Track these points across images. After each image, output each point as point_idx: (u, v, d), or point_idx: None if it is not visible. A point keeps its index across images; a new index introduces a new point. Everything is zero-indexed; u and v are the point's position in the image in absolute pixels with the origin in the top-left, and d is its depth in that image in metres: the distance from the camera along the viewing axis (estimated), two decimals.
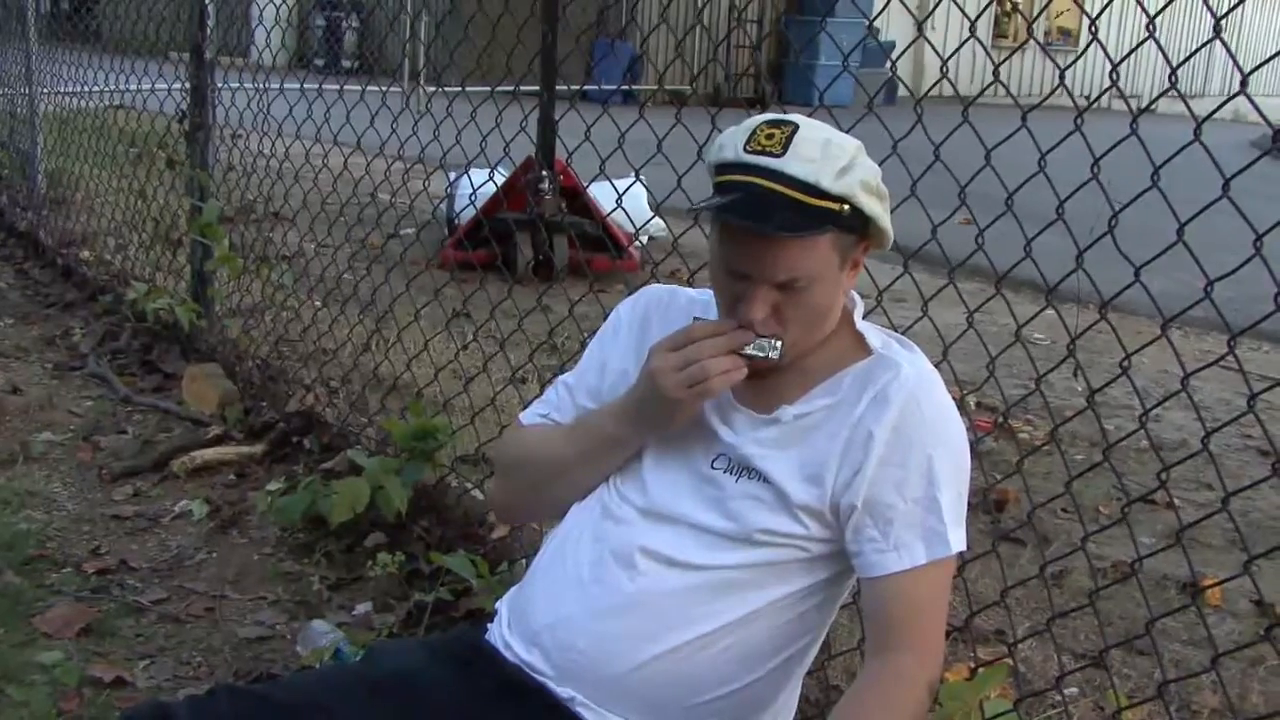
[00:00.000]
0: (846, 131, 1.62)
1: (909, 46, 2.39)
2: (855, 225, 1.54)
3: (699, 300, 1.78)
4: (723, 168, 1.55)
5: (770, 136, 1.52)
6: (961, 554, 1.57)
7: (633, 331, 1.80)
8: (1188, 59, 1.77)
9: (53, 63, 7.35)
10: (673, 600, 1.60)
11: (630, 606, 1.60)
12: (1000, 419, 3.87)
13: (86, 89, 6.93)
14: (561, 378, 1.90)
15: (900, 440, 1.55)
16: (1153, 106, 1.85)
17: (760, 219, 1.48)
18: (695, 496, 1.64)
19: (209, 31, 4.44)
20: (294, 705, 1.64)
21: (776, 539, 1.60)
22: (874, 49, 12.57)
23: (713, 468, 1.64)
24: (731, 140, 1.55)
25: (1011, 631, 2.50)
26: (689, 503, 1.64)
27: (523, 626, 1.70)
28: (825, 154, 1.50)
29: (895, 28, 16.38)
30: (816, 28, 15.68)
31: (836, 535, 1.60)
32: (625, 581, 1.62)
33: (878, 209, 1.56)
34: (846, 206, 1.51)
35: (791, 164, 1.49)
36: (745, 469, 1.62)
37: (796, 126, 1.53)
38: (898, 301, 2.50)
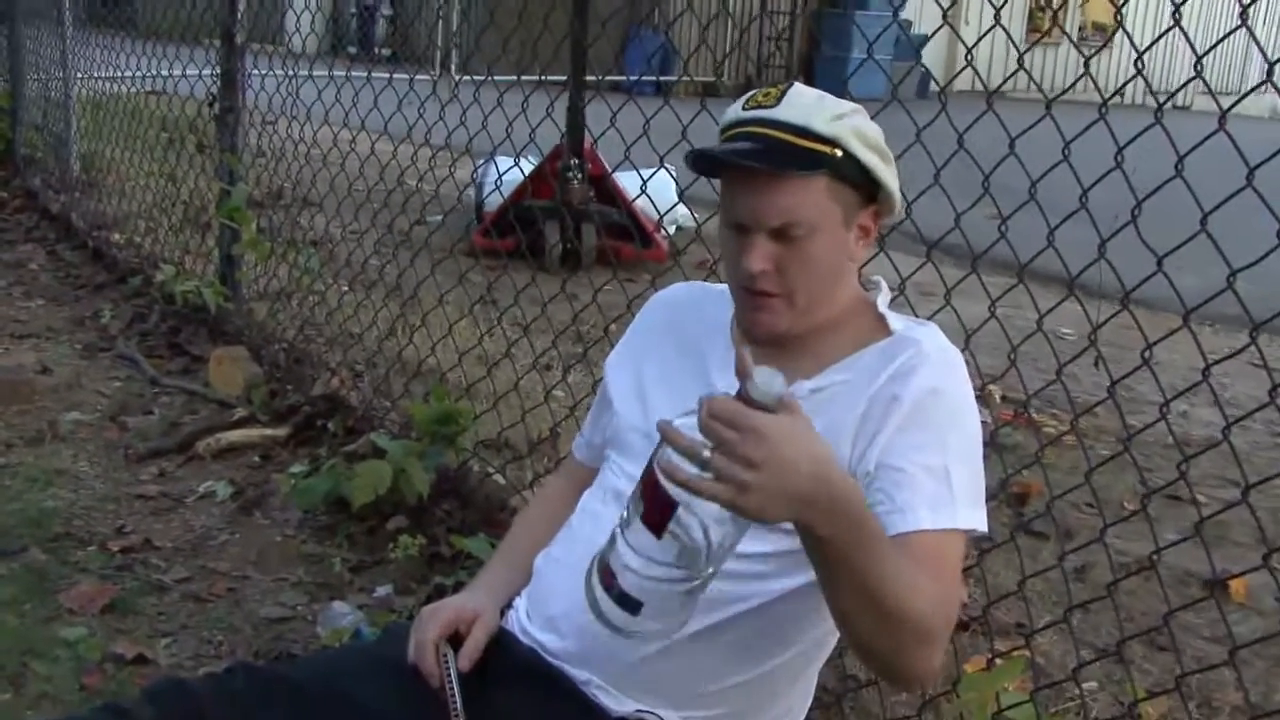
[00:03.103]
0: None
1: (935, 32, 2.37)
2: (852, 175, 1.55)
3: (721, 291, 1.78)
4: (724, 130, 1.60)
5: (767, 94, 1.57)
6: (978, 539, 1.54)
7: (651, 334, 1.81)
8: (1214, 47, 1.75)
9: (87, 47, 7.41)
10: None
11: None
12: (1021, 408, 3.84)
13: (120, 74, 6.98)
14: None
15: (919, 411, 1.51)
16: (1188, 104, 1.82)
17: (746, 157, 1.52)
18: None
19: (240, 16, 4.46)
20: (311, 684, 1.65)
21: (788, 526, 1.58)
22: (907, 43, 12.54)
23: None
24: (734, 105, 1.60)
25: (1030, 624, 2.49)
26: None
27: (540, 613, 1.70)
28: (819, 103, 1.55)
29: (929, 22, 16.30)
30: (849, 20, 15.60)
31: None
32: None
33: (876, 162, 1.56)
34: (839, 151, 1.52)
35: (783, 111, 1.54)
36: None
37: (793, 84, 1.58)
38: (924, 295, 2.49)
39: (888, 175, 1.58)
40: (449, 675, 1.66)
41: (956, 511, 1.49)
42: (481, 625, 1.74)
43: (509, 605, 1.79)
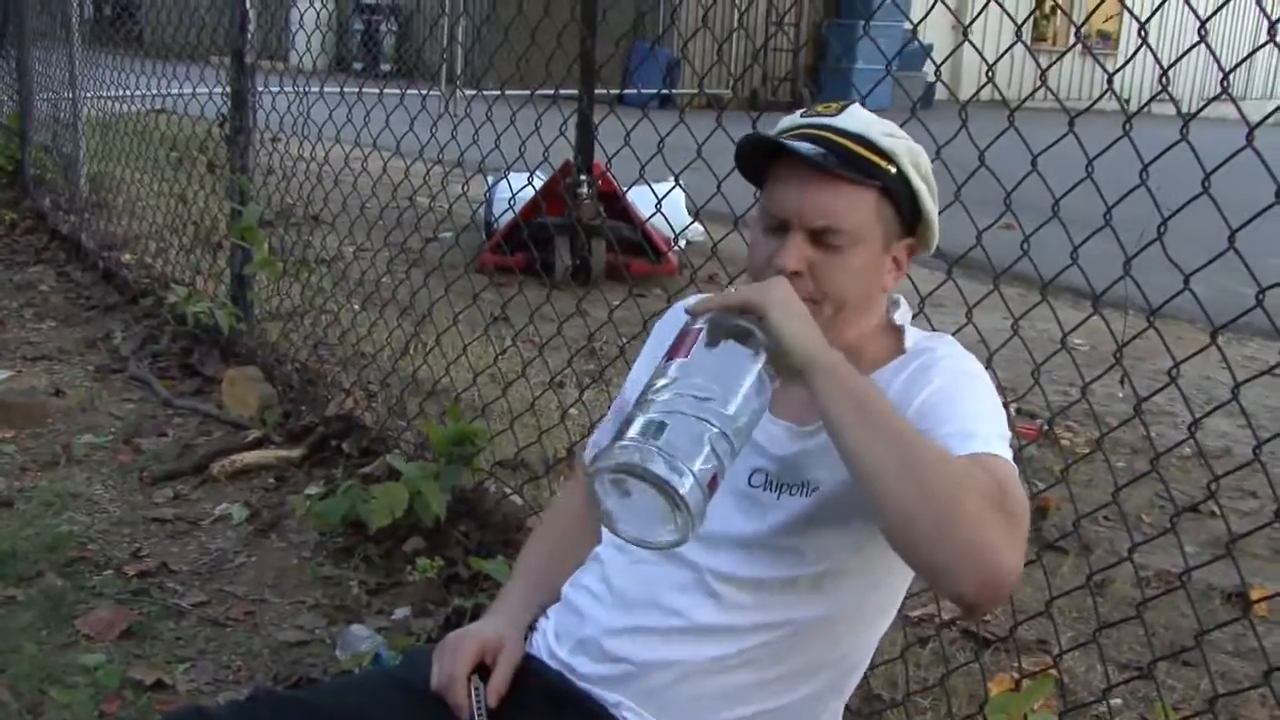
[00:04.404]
0: None
1: (952, 52, 2.36)
2: (900, 196, 1.57)
3: None
4: (779, 133, 1.62)
5: (827, 107, 1.63)
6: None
7: (659, 347, 1.80)
8: (1241, 63, 1.74)
9: (95, 67, 7.43)
10: (722, 618, 1.59)
11: (681, 625, 1.59)
12: (1044, 426, 3.83)
13: (128, 93, 7.00)
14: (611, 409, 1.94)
15: (940, 391, 1.50)
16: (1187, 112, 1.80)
17: (808, 148, 1.55)
18: (737, 513, 1.60)
19: (250, 36, 4.46)
20: (335, 710, 1.64)
21: (819, 549, 1.57)
22: (910, 52, 12.51)
23: (750, 485, 1.60)
24: (790, 116, 1.66)
25: (1056, 642, 2.47)
26: (735, 519, 1.59)
27: (570, 636, 1.69)
28: (878, 120, 1.61)
29: (931, 30, 16.28)
30: (855, 31, 15.63)
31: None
32: (674, 597, 1.60)
33: (924, 189, 1.60)
34: (894, 168, 1.56)
35: (844, 120, 1.59)
36: (787, 484, 1.58)
37: (853, 102, 1.64)
38: (937, 307, 2.48)
39: (931, 205, 1.61)
40: (479, 707, 1.65)
41: (990, 442, 1.44)
42: (507, 656, 1.73)
43: (533, 627, 1.78)
